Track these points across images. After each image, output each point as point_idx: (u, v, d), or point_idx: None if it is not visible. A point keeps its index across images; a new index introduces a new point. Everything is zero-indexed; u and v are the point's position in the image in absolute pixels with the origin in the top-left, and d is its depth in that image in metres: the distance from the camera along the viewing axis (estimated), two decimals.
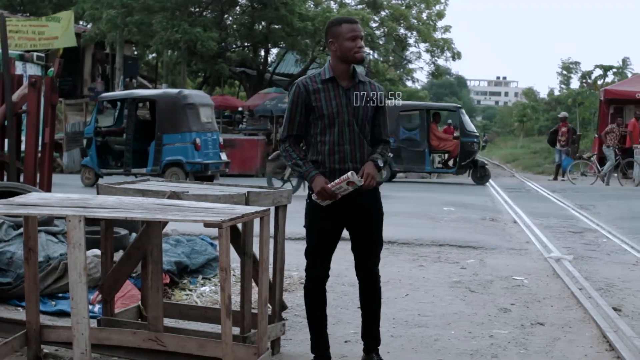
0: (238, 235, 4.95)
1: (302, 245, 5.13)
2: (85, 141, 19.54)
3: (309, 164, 4.74)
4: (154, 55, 37.50)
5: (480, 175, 22.26)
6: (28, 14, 32.36)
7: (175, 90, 20.34)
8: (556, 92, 63.86)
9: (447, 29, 35.43)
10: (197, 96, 19.39)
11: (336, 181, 4.66)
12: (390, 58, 35.56)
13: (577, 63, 63.63)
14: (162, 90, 22.63)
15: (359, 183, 4.64)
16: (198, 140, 17.82)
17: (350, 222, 4.86)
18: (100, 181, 7.37)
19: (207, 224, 4.27)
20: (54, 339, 5.10)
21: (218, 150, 18.78)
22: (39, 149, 8.87)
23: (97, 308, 6.00)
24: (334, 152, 4.74)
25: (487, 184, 23.25)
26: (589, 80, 49.22)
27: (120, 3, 26.24)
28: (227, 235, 4.25)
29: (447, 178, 26.48)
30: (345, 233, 4.97)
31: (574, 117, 39.52)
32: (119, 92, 21.82)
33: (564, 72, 63.73)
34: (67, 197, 4.87)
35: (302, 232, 5.08)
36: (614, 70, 47.32)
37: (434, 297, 7.32)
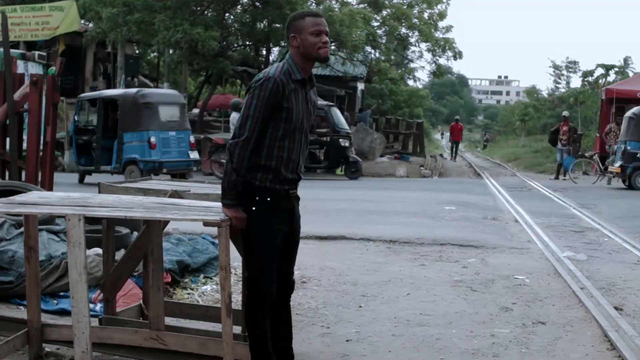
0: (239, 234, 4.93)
1: (304, 244, 5.10)
2: (67, 139, 20.15)
3: (239, 193, 4.30)
4: (155, 54, 37.48)
5: None
6: None
7: (134, 90, 20.66)
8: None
9: (448, 28, 35.38)
10: (157, 95, 19.59)
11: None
12: (392, 57, 35.51)
13: (574, 62, 63.65)
14: (125, 90, 23.07)
15: None
16: (153, 139, 18.10)
17: (290, 229, 4.50)
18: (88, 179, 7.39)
19: (207, 223, 4.27)
20: (55, 337, 5.11)
21: (186, 149, 19.03)
22: (41, 147, 8.88)
23: (98, 307, 6.01)
24: (290, 160, 4.38)
25: (489, 182, 23.23)
26: (590, 79, 49.15)
27: (121, 1, 26.20)
28: (227, 234, 4.25)
29: (448, 177, 26.48)
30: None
31: (575, 116, 39.48)
32: (93, 92, 22.26)
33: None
34: (67, 196, 4.87)
35: (304, 230, 5.04)
36: (616, 69, 47.26)
37: (435, 296, 7.32)
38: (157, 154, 18.14)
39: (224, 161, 4.40)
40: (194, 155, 19.28)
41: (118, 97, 19.45)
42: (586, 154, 26.20)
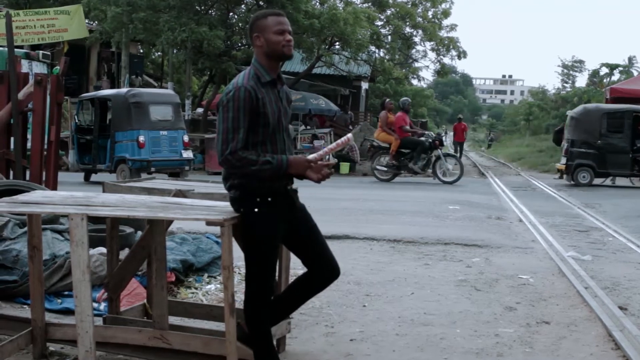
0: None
1: None
2: (71, 138, 20.66)
3: (274, 155, 4.31)
4: (159, 53, 37.52)
5: None
6: None
7: (124, 90, 20.98)
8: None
9: (452, 27, 35.43)
10: (148, 95, 19.79)
11: (330, 147, 4.52)
12: (396, 57, 35.50)
13: (581, 61, 63.64)
14: (117, 90, 23.46)
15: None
16: (141, 139, 18.40)
17: (296, 220, 4.53)
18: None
19: (209, 222, 4.27)
20: (59, 336, 5.11)
21: (179, 148, 19.26)
22: (45, 147, 8.89)
23: (102, 306, 6.01)
24: None
25: (493, 182, 23.19)
26: (594, 79, 49.15)
27: (125, 1, 26.24)
28: (229, 234, 4.24)
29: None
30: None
31: None
32: (92, 93, 22.54)
33: (564, 71, 63.74)
34: (70, 195, 4.87)
35: None
36: (620, 68, 47.24)
37: (439, 296, 7.31)
38: (146, 153, 18.41)
39: None
40: (188, 154, 19.49)
41: (111, 96, 19.78)
42: None
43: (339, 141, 4.55)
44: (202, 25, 25.80)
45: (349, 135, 4.61)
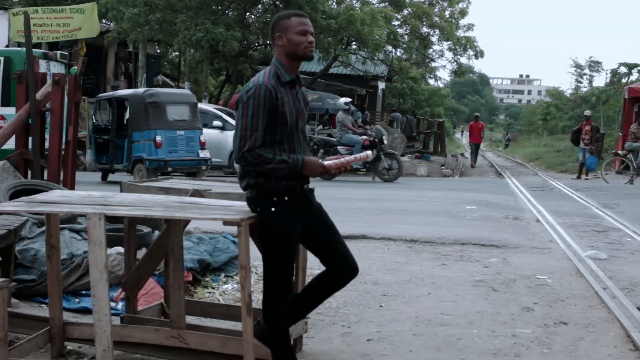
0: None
1: None
2: (89, 138, 20.62)
3: (290, 154, 4.34)
4: (176, 53, 37.60)
5: None
6: None
7: (142, 90, 21.03)
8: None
9: (469, 27, 35.27)
10: (165, 95, 19.81)
11: (348, 159, 4.50)
12: (413, 56, 35.42)
13: (598, 62, 63.34)
14: (134, 89, 23.58)
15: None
16: (158, 138, 18.36)
17: (313, 220, 4.54)
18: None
19: (226, 222, 4.27)
20: (77, 335, 5.13)
21: (195, 148, 19.25)
22: (63, 146, 8.93)
23: (120, 305, 6.03)
24: None
25: (510, 182, 23.10)
26: (613, 79, 48.85)
27: (142, 1, 26.31)
28: (246, 233, 4.25)
29: (469, 176, 26.38)
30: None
31: (597, 115, 39.22)
32: (110, 93, 22.65)
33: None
34: (88, 195, 4.89)
35: None
36: (639, 68, 46.92)
37: (456, 296, 7.29)
38: (163, 152, 18.43)
39: None
40: (204, 154, 19.50)
41: (128, 96, 19.82)
42: (620, 152, 25.70)
43: (357, 155, 4.57)
44: (218, 26, 25.82)
45: (368, 152, 4.65)
